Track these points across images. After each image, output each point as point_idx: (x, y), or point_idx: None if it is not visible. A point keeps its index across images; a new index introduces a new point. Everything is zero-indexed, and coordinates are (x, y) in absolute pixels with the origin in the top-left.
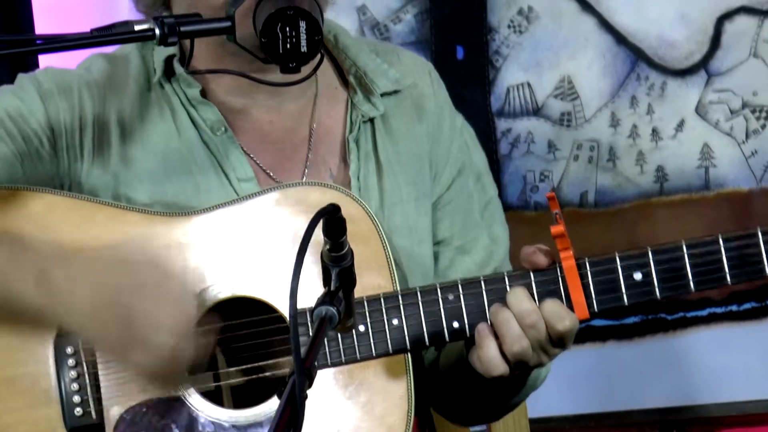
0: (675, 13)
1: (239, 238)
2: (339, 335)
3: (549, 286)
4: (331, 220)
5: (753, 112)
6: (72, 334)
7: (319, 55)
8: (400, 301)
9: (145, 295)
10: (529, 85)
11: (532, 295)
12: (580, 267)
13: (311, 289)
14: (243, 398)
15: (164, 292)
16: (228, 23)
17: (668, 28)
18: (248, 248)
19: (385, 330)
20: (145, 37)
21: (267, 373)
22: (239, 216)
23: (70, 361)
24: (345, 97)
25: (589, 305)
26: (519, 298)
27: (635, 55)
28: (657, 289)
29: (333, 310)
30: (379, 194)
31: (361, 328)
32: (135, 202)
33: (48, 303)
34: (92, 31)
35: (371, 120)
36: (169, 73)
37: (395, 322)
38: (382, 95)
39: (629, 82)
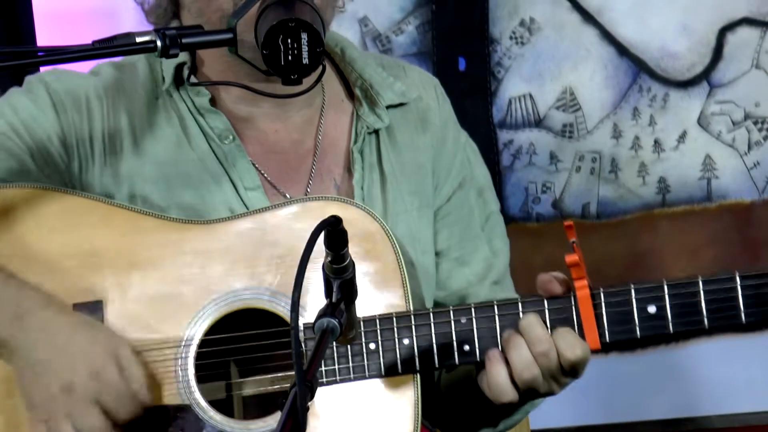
0: (677, 25)
1: (256, 249)
2: (350, 353)
3: (562, 315)
4: (332, 231)
5: (755, 123)
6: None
7: (321, 67)
8: (412, 321)
9: (92, 384)
10: (530, 96)
11: (544, 322)
12: (594, 297)
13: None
14: (254, 409)
15: (108, 396)
16: (230, 35)
17: (670, 39)
18: (264, 260)
19: (395, 349)
20: (146, 49)
21: (276, 386)
22: (256, 227)
23: None
24: (351, 109)
25: (601, 335)
26: (532, 324)
27: (637, 67)
28: (670, 324)
29: (334, 322)
30: (383, 204)
31: (372, 346)
32: (151, 203)
33: (18, 337)
34: (94, 42)
35: (376, 132)
36: (178, 81)
37: (406, 342)
38: (387, 108)
39: (631, 93)
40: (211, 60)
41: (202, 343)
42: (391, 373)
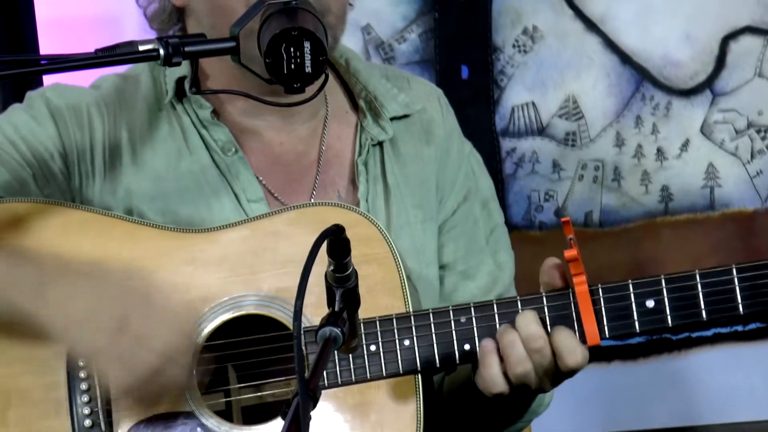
0: (680, 33)
1: (253, 256)
2: (350, 355)
3: (561, 311)
4: (335, 240)
5: (758, 131)
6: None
7: (324, 75)
8: (413, 323)
9: (140, 314)
10: (533, 104)
11: (543, 318)
12: (593, 293)
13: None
14: (253, 415)
15: (158, 314)
16: (232, 44)
17: (673, 47)
18: (263, 267)
19: (396, 350)
20: (149, 57)
21: (276, 392)
22: (254, 234)
23: (82, 374)
24: (355, 121)
25: (601, 331)
26: (527, 321)
27: (640, 75)
28: (669, 318)
29: (337, 330)
30: (387, 216)
31: (372, 348)
32: (147, 218)
33: (45, 314)
34: (96, 51)
35: (380, 143)
36: (180, 93)
37: (407, 343)
38: (391, 119)
39: (634, 101)
40: (216, 72)
41: (203, 350)
42: (392, 374)
